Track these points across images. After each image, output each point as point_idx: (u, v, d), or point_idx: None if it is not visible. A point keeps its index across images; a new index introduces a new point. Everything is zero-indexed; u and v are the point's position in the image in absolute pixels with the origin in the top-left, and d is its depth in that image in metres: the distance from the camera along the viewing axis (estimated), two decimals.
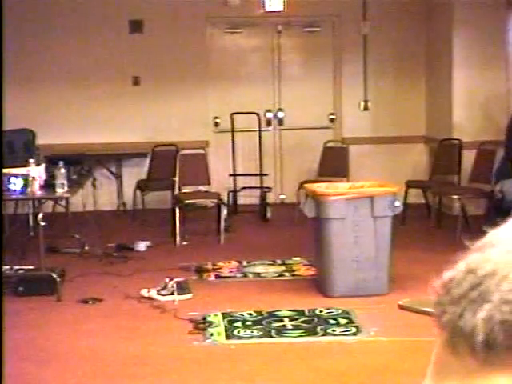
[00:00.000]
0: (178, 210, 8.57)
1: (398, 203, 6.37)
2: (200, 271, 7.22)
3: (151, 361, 4.96)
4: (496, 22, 9.41)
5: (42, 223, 6.54)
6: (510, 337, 0.60)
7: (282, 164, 10.86)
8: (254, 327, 5.61)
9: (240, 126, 10.24)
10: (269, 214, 9.70)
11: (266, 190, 10.07)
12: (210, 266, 7.40)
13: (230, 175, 10.25)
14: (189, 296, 6.37)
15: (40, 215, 6.62)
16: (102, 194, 10.17)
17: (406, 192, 9.34)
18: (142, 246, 8.14)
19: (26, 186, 6.48)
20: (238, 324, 5.68)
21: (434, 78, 10.37)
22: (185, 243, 8.36)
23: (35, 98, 10.28)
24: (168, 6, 10.32)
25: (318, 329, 5.55)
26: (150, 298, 6.32)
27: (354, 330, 5.53)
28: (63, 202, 8.50)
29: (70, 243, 8.06)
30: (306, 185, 7.14)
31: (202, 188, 9.42)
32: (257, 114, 10.22)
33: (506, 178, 7.55)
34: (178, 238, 8.38)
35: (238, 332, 5.51)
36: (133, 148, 10.23)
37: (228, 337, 5.43)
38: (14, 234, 7.93)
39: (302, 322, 5.73)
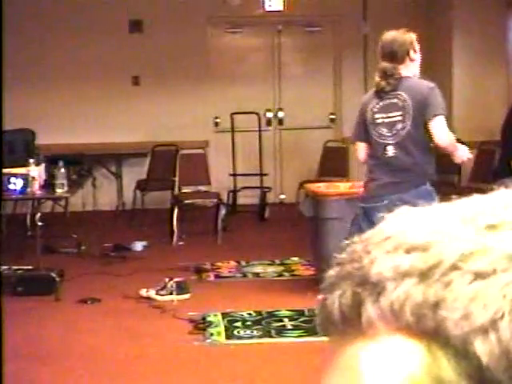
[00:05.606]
0: (175, 210, 8.56)
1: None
2: (199, 271, 7.21)
3: (151, 361, 4.95)
4: (496, 21, 9.41)
5: (40, 223, 6.53)
6: None
7: (282, 164, 10.85)
8: (254, 327, 5.60)
9: (240, 126, 10.23)
10: (267, 214, 9.69)
11: (266, 189, 10.06)
12: (209, 266, 7.39)
13: (230, 175, 10.24)
14: (187, 296, 6.36)
15: (37, 215, 6.61)
16: (102, 194, 10.16)
17: None
18: (138, 245, 8.13)
19: (25, 186, 6.47)
20: (238, 324, 5.67)
21: (433, 77, 10.34)
22: (181, 243, 8.35)
23: (35, 98, 10.26)
24: (168, 5, 10.31)
25: None
26: (148, 298, 6.31)
27: None
28: (62, 202, 8.50)
29: (68, 243, 8.06)
30: (306, 185, 7.12)
31: (202, 188, 9.41)
32: (257, 114, 10.21)
33: (503, 178, 7.52)
34: (174, 238, 8.37)
35: (238, 332, 5.50)
36: (133, 148, 10.22)
37: (228, 337, 5.42)
38: (12, 234, 7.92)
39: (301, 321, 5.72)
